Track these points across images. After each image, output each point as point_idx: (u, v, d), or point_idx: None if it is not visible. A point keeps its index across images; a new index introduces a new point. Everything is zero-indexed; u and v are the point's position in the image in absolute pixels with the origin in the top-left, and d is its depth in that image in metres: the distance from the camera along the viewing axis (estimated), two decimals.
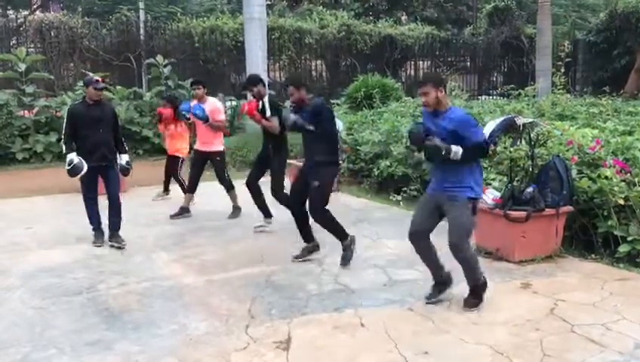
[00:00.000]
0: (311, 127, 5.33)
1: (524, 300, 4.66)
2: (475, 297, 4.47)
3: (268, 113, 6.42)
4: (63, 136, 6.30)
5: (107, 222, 6.35)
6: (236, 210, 7.52)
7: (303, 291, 4.90)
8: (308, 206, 5.50)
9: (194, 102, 7.43)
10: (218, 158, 7.46)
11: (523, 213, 5.46)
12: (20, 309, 4.60)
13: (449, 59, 21.55)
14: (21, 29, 15.76)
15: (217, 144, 7.44)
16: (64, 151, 6.21)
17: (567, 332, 4.06)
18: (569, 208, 5.65)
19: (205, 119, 7.19)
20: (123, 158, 6.47)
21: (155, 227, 7.16)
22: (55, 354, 3.82)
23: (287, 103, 6.50)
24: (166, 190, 8.69)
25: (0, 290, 5.01)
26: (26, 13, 19.83)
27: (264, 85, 6.75)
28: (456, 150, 4.16)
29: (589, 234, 5.83)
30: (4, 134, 11.81)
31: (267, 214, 6.88)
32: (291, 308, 4.53)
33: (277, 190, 6.47)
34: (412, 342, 3.90)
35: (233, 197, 7.51)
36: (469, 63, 22.08)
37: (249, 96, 7.02)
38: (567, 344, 3.88)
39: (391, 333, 4.03)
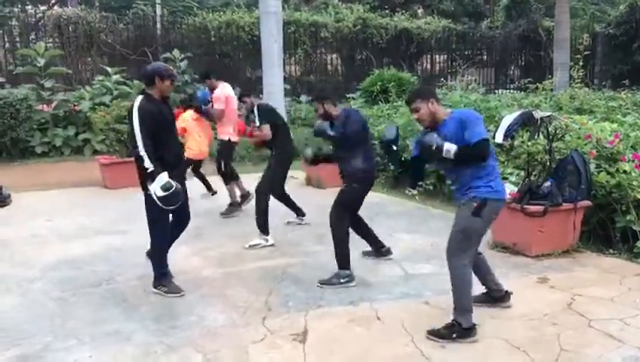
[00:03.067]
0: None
1: (541, 295, 4.64)
2: (447, 332, 3.84)
3: (257, 123, 6.33)
4: (143, 147, 4.47)
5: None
6: (231, 207, 7.43)
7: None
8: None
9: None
10: (218, 147, 7.51)
11: (540, 208, 5.44)
12: (42, 300, 4.68)
13: (466, 52, 21.41)
14: (40, 24, 15.90)
15: (221, 133, 7.46)
16: (150, 169, 4.46)
17: (584, 327, 4.04)
18: (587, 203, 5.62)
19: (203, 102, 7.35)
20: None
21: None
22: (75, 344, 3.88)
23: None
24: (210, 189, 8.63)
25: (22, 281, 5.10)
26: (45, 8, 20.00)
27: (256, 96, 6.95)
28: (449, 148, 3.71)
29: (608, 229, 5.79)
30: (24, 128, 11.95)
31: (299, 213, 6.88)
32: (308, 300, 4.57)
33: (263, 191, 6.19)
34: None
35: (230, 191, 7.45)
36: (485, 57, 21.90)
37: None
38: (585, 338, 3.87)
39: (407, 327, 4.04)
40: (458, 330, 3.83)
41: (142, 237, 6.12)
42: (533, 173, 5.83)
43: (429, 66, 20.90)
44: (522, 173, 6.08)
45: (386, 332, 4.02)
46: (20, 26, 15.55)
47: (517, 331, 3.97)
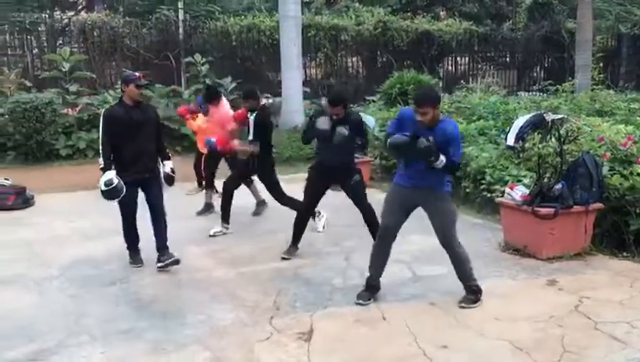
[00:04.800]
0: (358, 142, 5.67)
1: (549, 297, 4.65)
2: (475, 296, 4.52)
3: (250, 137, 6.45)
4: (100, 147, 5.36)
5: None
6: (261, 205, 7.54)
7: (328, 285, 5.00)
8: (356, 199, 5.73)
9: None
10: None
11: (551, 210, 5.43)
12: (58, 298, 4.83)
13: (488, 54, 21.28)
14: (66, 29, 16.26)
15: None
16: (101, 165, 5.29)
17: (590, 329, 4.05)
18: (599, 205, 5.59)
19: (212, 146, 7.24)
20: (167, 166, 5.73)
21: (188, 221, 7.34)
22: (88, 341, 4.01)
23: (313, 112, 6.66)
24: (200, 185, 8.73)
25: (40, 280, 5.26)
26: (72, 13, 20.41)
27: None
28: (442, 160, 4.23)
29: (621, 232, 5.74)
30: (49, 131, 12.19)
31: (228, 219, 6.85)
32: (315, 301, 4.64)
33: (281, 198, 6.57)
34: (432, 336, 3.96)
35: (254, 191, 7.56)
36: (507, 59, 21.74)
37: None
38: (590, 341, 3.88)
39: (412, 327, 4.09)
40: (479, 289, 4.53)
41: None
42: (545, 176, 5.82)
43: (450, 68, 20.82)
44: (536, 176, 6.07)
45: (391, 332, 4.08)
46: (48, 32, 15.91)
47: (521, 332, 4.00)
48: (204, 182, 8.24)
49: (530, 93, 17.29)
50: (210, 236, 6.60)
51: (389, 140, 4.39)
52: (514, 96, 15.24)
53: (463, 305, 4.46)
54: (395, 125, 4.53)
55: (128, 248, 5.67)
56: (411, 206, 4.60)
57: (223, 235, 6.62)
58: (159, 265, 5.41)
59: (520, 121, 5.66)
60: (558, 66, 20.71)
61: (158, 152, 5.66)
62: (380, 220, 4.78)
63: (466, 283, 4.54)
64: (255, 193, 7.59)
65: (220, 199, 7.87)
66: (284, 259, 5.73)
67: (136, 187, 5.41)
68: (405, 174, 4.52)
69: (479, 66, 20.90)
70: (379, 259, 4.70)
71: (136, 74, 5.55)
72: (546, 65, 21.88)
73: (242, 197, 8.00)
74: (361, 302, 4.54)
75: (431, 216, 4.55)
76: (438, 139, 4.27)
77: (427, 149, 4.19)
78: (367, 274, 4.70)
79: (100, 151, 5.36)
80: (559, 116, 5.73)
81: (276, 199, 6.63)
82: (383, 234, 4.68)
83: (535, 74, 22.26)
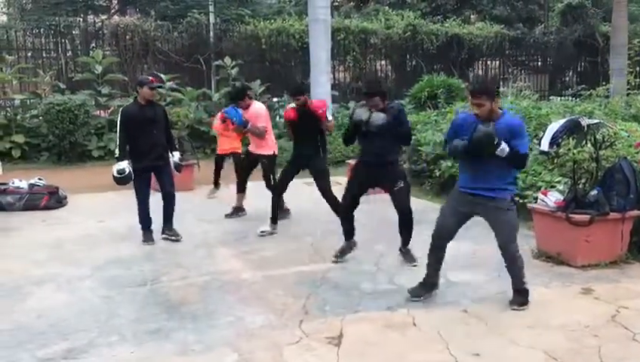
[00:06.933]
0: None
1: (584, 306, 4.54)
2: (526, 297, 4.50)
3: (330, 117, 6.61)
4: (117, 140, 6.32)
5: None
6: (284, 212, 7.41)
7: (357, 289, 4.95)
8: (398, 205, 5.50)
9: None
10: (265, 161, 7.39)
11: (586, 217, 5.30)
12: (89, 298, 4.87)
13: (519, 58, 21.01)
14: (99, 33, 16.51)
15: (267, 149, 7.34)
16: (117, 156, 6.26)
17: (628, 340, 3.93)
18: (636, 212, 5.45)
19: (243, 124, 7.06)
20: (175, 156, 6.60)
21: (218, 223, 7.37)
22: (117, 340, 4.03)
23: (354, 105, 6.68)
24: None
25: (72, 279, 5.32)
26: (105, 17, 20.74)
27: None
28: (504, 147, 4.14)
29: None
30: (82, 133, 12.39)
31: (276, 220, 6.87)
32: (345, 305, 4.60)
33: (328, 190, 6.53)
34: (463, 343, 3.88)
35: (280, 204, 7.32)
36: (539, 63, 21.42)
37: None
38: (627, 352, 3.77)
39: (443, 333, 4.03)
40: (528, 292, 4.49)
41: (189, 239, 6.33)
42: (581, 182, 5.69)
43: (480, 72, 20.59)
44: (570, 182, 5.93)
45: (422, 338, 4.02)
46: (81, 35, 16.18)
47: (556, 342, 3.90)
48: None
49: (563, 98, 16.99)
50: (259, 235, 6.72)
51: (448, 149, 4.44)
52: (546, 101, 14.99)
53: (516, 307, 4.44)
54: (451, 133, 4.46)
55: (142, 228, 6.47)
56: (468, 213, 4.53)
57: (253, 238, 6.65)
58: (163, 236, 6.50)
59: (554, 126, 5.54)
60: (592, 71, 20.36)
61: (168, 144, 6.51)
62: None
63: (519, 287, 4.50)
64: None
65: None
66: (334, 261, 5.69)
67: (149, 172, 6.38)
68: (468, 176, 4.42)
69: (510, 70, 20.65)
70: (431, 258, 4.72)
71: (149, 78, 6.57)
72: (579, 69, 21.52)
73: (266, 201, 8.00)
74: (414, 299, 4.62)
75: (491, 225, 4.51)
76: (500, 134, 4.15)
77: (487, 133, 4.09)
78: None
79: (117, 143, 6.31)
80: (595, 121, 5.59)
81: (324, 188, 6.54)
82: (435, 234, 4.68)
83: (568, 78, 21.90)
